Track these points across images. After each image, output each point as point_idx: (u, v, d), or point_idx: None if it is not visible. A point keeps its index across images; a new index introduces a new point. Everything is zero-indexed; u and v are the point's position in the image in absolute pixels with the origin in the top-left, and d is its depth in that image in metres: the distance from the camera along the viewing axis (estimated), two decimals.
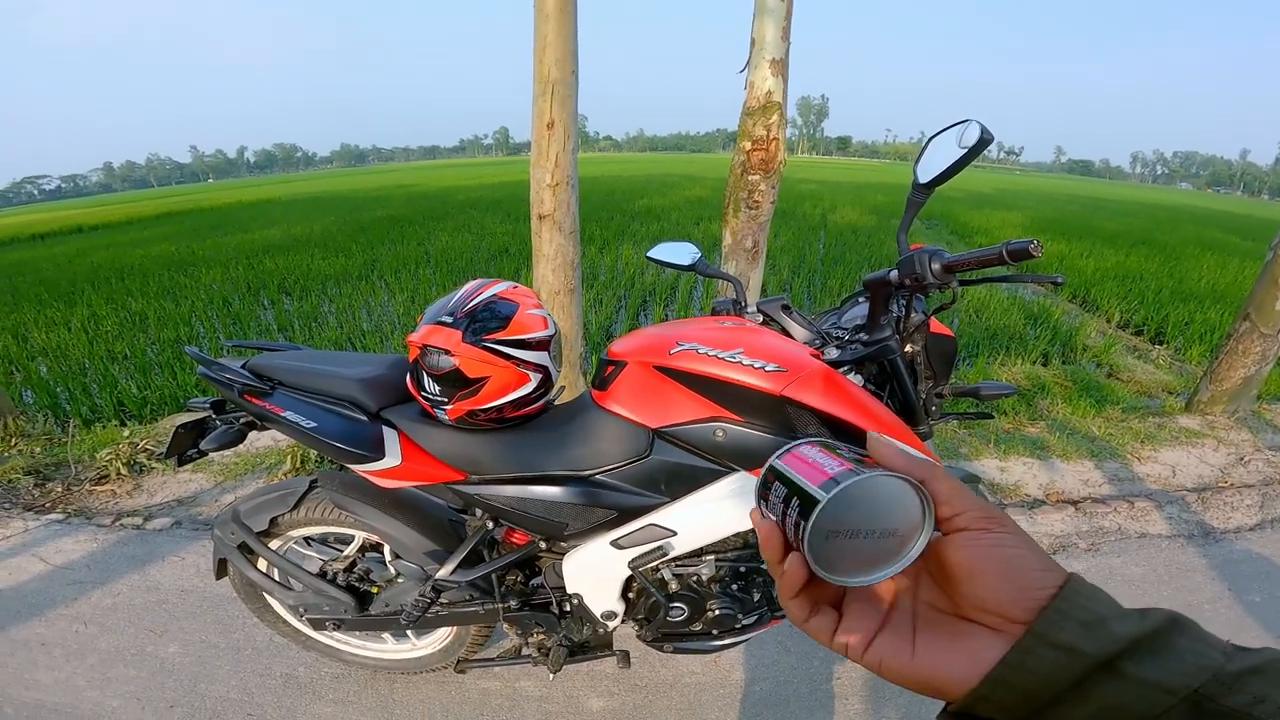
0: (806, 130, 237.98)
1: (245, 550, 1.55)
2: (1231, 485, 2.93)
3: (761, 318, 1.47)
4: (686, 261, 1.62)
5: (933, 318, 1.29)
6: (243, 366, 1.39)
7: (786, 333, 1.42)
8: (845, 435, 1.19)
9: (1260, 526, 2.62)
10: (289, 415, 1.32)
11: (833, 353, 1.30)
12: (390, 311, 5.97)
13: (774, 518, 0.40)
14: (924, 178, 1.09)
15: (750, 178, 3.03)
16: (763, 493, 0.41)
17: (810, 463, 0.39)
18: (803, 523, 0.36)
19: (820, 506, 0.35)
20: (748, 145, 3.00)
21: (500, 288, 1.30)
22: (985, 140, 1.00)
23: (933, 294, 1.22)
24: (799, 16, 2.89)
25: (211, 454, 1.49)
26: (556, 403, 1.46)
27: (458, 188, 22.16)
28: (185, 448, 1.42)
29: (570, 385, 3.25)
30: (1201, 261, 8.69)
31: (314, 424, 1.30)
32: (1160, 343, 5.38)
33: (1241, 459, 3.15)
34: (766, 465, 0.41)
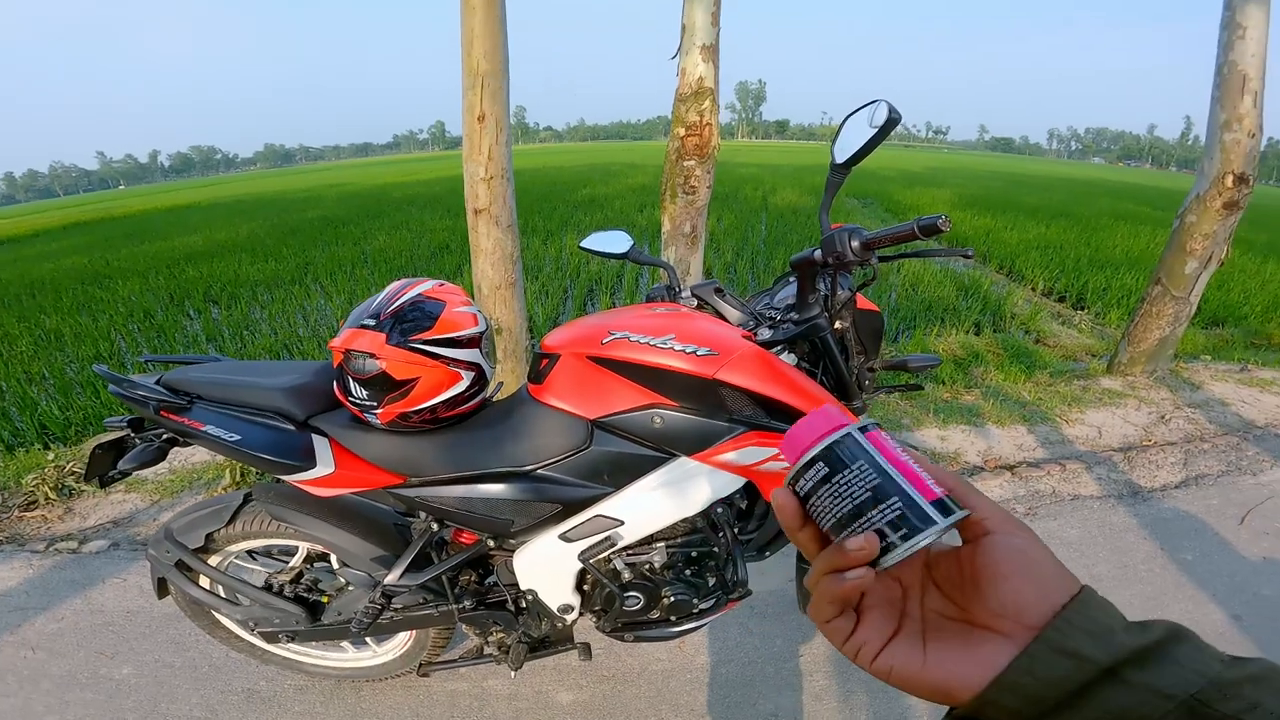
0: (745, 115, 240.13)
1: (183, 568, 1.49)
2: (1155, 444, 3.07)
3: (695, 302, 1.48)
4: (620, 250, 1.61)
5: (859, 294, 1.33)
6: (157, 382, 1.32)
7: (721, 316, 1.44)
8: (779, 415, 1.21)
9: (1185, 484, 2.73)
10: (210, 429, 1.26)
11: (765, 333, 1.32)
12: (328, 315, 5.77)
13: (830, 499, 0.36)
14: (840, 158, 1.12)
15: (686, 163, 3.04)
16: (832, 465, 0.37)
17: (907, 464, 0.36)
18: (910, 536, 0.35)
19: (938, 526, 0.35)
20: (682, 131, 3.01)
21: (425, 286, 1.27)
22: (894, 119, 1.03)
23: (855, 271, 1.26)
24: (732, 2, 2.91)
25: (142, 473, 1.42)
26: (498, 399, 1.44)
27: (394, 185, 21.50)
28: (105, 469, 1.36)
29: (518, 379, 3.22)
30: (1116, 231, 9.20)
31: (237, 437, 1.26)
32: (1081, 308, 5.69)
33: (1163, 417, 3.32)
34: (845, 434, 0.37)
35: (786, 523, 0.39)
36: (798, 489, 0.38)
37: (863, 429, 0.37)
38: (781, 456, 1.21)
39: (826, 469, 0.37)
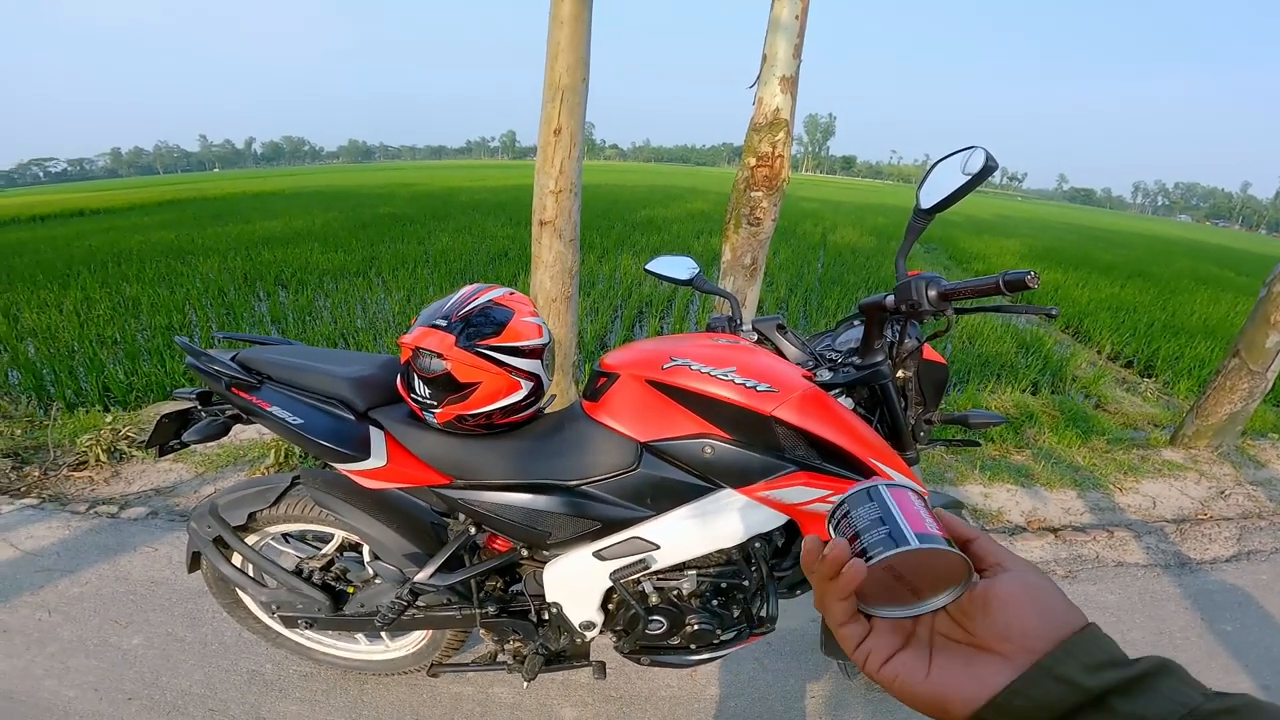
0: (812, 148, 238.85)
1: (220, 544, 1.53)
2: (1210, 518, 2.94)
3: (756, 336, 1.47)
4: (684, 276, 1.62)
5: (926, 344, 1.30)
6: (232, 359, 1.38)
7: (780, 352, 1.42)
8: (833, 458, 1.19)
9: (1236, 558, 2.64)
10: (275, 410, 1.31)
11: (825, 375, 1.30)
12: (386, 309, 5.96)
13: (846, 533, 0.44)
14: (926, 203, 1.09)
15: (753, 194, 3.04)
16: (854, 505, 0.45)
17: (914, 509, 0.43)
18: (889, 548, 0.40)
19: (911, 548, 0.40)
20: (752, 161, 3.01)
21: (496, 293, 1.30)
22: (990, 168, 0.99)
23: (927, 321, 1.22)
24: (810, 33, 2.91)
25: (194, 445, 1.47)
26: (547, 411, 1.46)
27: (461, 189, 22.18)
28: (167, 438, 1.41)
29: (562, 393, 3.24)
30: (1195, 296, 8.77)
31: (300, 420, 1.29)
32: (1149, 376, 5.41)
33: (1222, 492, 3.17)
34: (872, 485, 0.45)
35: (830, 569, 0.42)
36: (830, 520, 0.46)
37: (891, 486, 0.45)
38: (831, 497, 1.19)
39: (849, 507, 0.45)
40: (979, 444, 1.52)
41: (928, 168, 1.12)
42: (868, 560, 0.40)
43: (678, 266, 1.63)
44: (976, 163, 1.00)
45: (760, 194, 3.02)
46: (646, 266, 1.67)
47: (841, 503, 0.46)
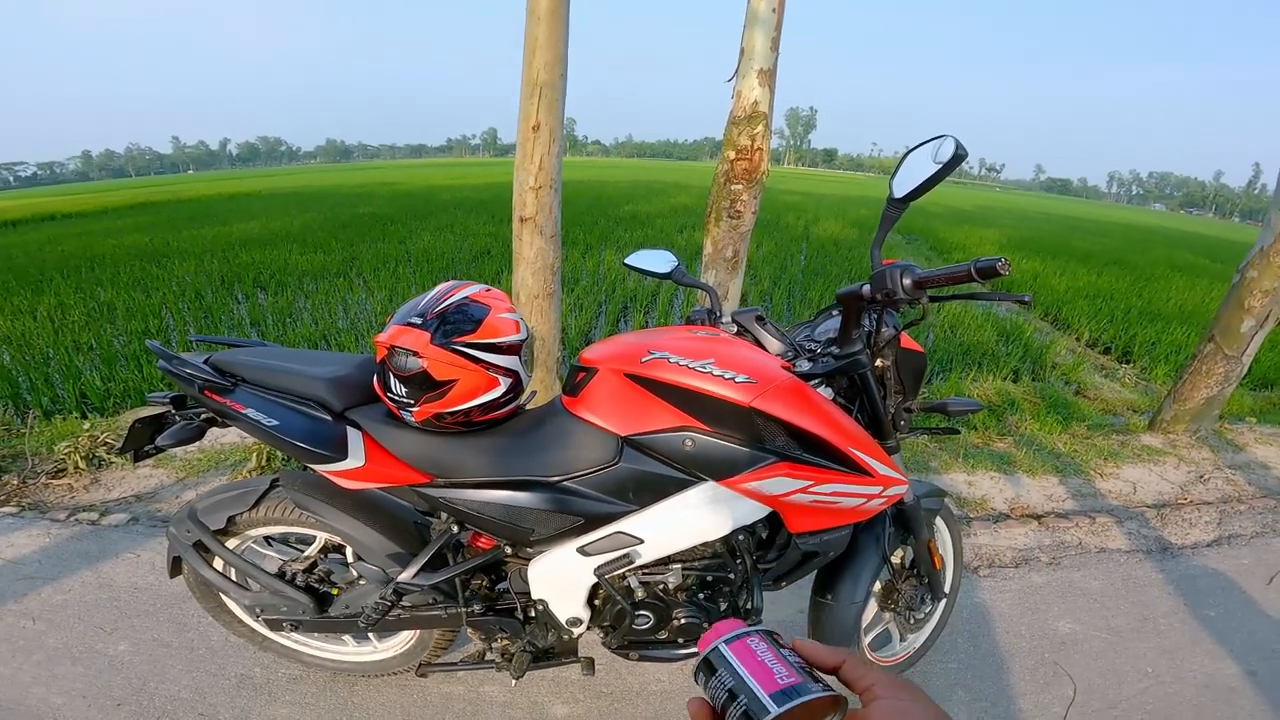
0: (793, 141, 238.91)
1: (201, 549, 1.51)
2: (1191, 502, 3.00)
3: (736, 328, 1.48)
4: (664, 269, 1.62)
5: (903, 333, 1.31)
6: (205, 362, 1.36)
7: (760, 344, 1.42)
8: (814, 448, 1.19)
9: (1218, 543, 2.68)
10: (250, 413, 1.29)
11: (804, 365, 1.30)
12: (367, 309, 5.91)
13: (710, 700, 0.47)
14: (899, 192, 1.10)
15: (733, 187, 3.04)
16: (706, 672, 0.48)
17: (761, 663, 0.46)
18: None
19: (772, 716, 0.42)
20: (732, 154, 3.02)
21: (472, 290, 1.29)
22: (960, 156, 1.00)
23: (904, 309, 1.23)
24: (790, 27, 2.91)
25: (170, 450, 1.45)
26: (529, 407, 1.45)
27: (443, 187, 22.00)
28: (142, 443, 1.39)
29: (546, 389, 3.23)
30: (1171, 282, 8.92)
31: (275, 422, 1.28)
32: (1127, 362, 5.50)
33: (1201, 477, 3.23)
34: (712, 647, 0.49)
35: None
36: (696, 683, 0.49)
37: (730, 639, 0.48)
38: (813, 488, 1.20)
39: (704, 676, 0.48)
40: (959, 431, 1.54)
41: (900, 157, 1.13)
42: None
43: (657, 260, 1.63)
44: (947, 151, 1.01)
45: (740, 187, 3.03)
46: (626, 261, 1.66)
47: (696, 672, 0.49)
